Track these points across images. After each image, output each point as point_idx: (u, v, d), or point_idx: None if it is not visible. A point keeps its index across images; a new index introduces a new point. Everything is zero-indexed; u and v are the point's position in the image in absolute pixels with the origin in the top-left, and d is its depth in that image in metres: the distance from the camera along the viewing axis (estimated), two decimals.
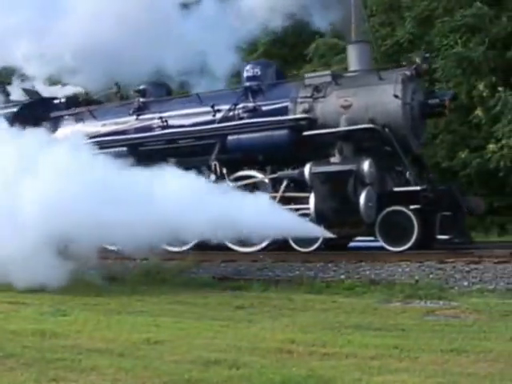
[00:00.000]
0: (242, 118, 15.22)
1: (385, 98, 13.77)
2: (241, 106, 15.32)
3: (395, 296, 10.25)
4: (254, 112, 15.08)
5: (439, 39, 21.46)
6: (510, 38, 20.51)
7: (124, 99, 18.36)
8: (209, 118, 15.58)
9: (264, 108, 15.02)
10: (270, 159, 14.74)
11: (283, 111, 14.77)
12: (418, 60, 14.30)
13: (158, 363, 6.24)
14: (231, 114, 15.39)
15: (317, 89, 14.53)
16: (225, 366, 6.06)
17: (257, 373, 5.77)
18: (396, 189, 13.46)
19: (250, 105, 15.21)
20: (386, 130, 13.49)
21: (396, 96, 13.61)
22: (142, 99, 16.95)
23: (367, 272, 12.02)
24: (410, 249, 12.89)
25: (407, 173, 13.63)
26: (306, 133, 14.10)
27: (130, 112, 16.96)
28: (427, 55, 14.88)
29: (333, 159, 13.57)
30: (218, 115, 15.47)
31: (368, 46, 15.52)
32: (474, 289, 10.55)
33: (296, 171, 14.11)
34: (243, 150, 14.92)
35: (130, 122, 16.83)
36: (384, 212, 13.16)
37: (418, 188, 13.16)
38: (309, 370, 5.85)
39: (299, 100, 14.69)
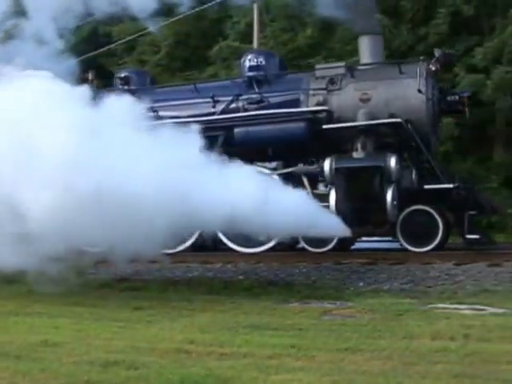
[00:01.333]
0: (246, 110, 14.22)
1: (407, 93, 13.24)
2: (245, 96, 14.34)
3: (293, 296, 10.39)
4: (261, 103, 14.17)
5: (340, 46, 21.94)
6: (409, 51, 21.21)
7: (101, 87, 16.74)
8: (208, 109, 14.47)
9: (272, 99, 14.16)
10: (282, 153, 13.86)
11: (294, 103, 14.02)
12: (438, 54, 13.67)
13: (55, 365, 6.14)
14: (234, 105, 14.41)
15: (331, 81, 13.87)
16: (123, 366, 6.03)
17: (155, 373, 5.76)
18: (427, 186, 12.88)
19: (256, 96, 14.25)
20: (409, 125, 12.95)
21: (420, 91, 13.11)
22: (126, 87, 15.47)
23: (265, 273, 12.15)
24: (432, 250, 12.64)
25: (434, 170, 13.07)
26: (326, 126, 13.42)
27: None
28: (449, 51, 14.48)
29: (355, 154, 13.07)
30: (219, 106, 14.46)
31: (380, 39, 14.83)
32: (370, 289, 10.83)
33: (314, 166, 13.41)
34: (252, 143, 13.78)
35: None
36: (407, 211, 12.82)
37: (451, 186, 12.64)
38: (207, 369, 5.88)
39: (311, 92, 13.98)
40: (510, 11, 20.43)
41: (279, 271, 12.09)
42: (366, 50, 14.35)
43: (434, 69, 13.55)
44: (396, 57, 19.81)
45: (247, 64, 14.66)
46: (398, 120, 12.93)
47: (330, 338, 7.21)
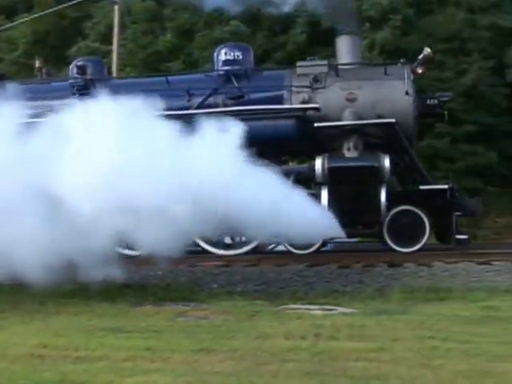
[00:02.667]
0: (226, 105, 13.56)
1: (395, 95, 13.27)
2: (223, 91, 13.79)
3: (147, 299, 10.37)
4: (240, 99, 13.61)
5: (199, 52, 22.12)
6: (265, 55, 21.66)
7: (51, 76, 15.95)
8: (182, 102, 13.69)
9: (253, 95, 13.72)
10: (266, 151, 12.98)
11: (277, 100, 13.69)
12: (422, 56, 13.76)
13: None
14: (212, 99, 13.69)
15: (315, 79, 13.61)
16: None
17: (7, 380, 5.59)
18: (422, 187, 12.97)
19: (235, 91, 13.68)
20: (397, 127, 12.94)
21: (407, 93, 13.18)
22: (83, 77, 14.43)
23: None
24: (419, 250, 12.66)
25: (421, 171, 13.26)
26: (318, 124, 13.15)
27: (73, 91, 14.33)
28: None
29: (348, 154, 12.84)
30: (194, 100, 13.78)
31: (359, 39, 14.84)
32: (224, 291, 10.98)
33: (304, 165, 13.06)
34: None
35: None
36: (393, 212, 12.70)
37: (446, 186, 12.80)
38: (61, 374, 5.77)
39: (295, 89, 13.70)
40: (366, 25, 21.40)
41: (134, 274, 12.00)
42: (345, 49, 14.22)
43: (420, 72, 13.78)
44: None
45: (222, 57, 14.13)
46: (392, 120, 12.94)
47: (184, 339, 7.26)
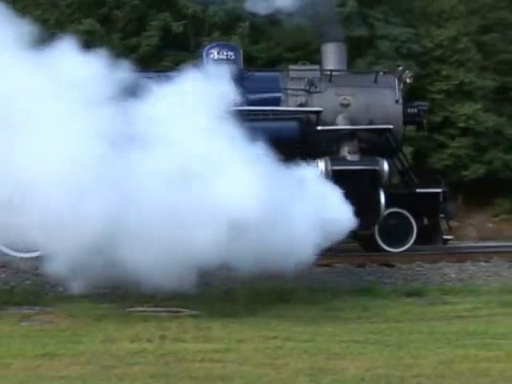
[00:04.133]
0: None
1: (386, 102, 13.80)
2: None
3: None
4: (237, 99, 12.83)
5: None
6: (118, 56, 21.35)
7: None
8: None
9: (249, 96, 13.17)
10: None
11: (274, 102, 13.58)
12: (401, 67, 14.49)
13: None
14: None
15: (311, 83, 13.71)
16: None
17: None
18: (419, 190, 13.52)
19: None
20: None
21: (397, 101, 13.80)
22: None
23: None
24: (406, 250, 13.22)
25: (410, 174, 13.87)
26: (321, 127, 13.30)
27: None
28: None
29: (350, 157, 13.00)
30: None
31: (343, 46, 14.85)
32: (69, 294, 10.70)
33: None
34: None
35: None
36: (385, 214, 12.90)
37: (440, 190, 13.46)
38: None
39: (290, 92, 13.72)
40: (215, 33, 21.67)
41: None
42: (331, 56, 14.44)
43: (409, 81, 14.31)
44: None
45: (214, 57, 13.84)
46: (390, 126, 13.55)
47: (27, 344, 7.08)
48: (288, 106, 13.81)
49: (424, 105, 15.36)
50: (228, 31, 22.52)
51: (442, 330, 7.91)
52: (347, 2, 21.36)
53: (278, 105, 13.80)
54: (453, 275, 12.22)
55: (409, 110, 14.58)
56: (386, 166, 13.23)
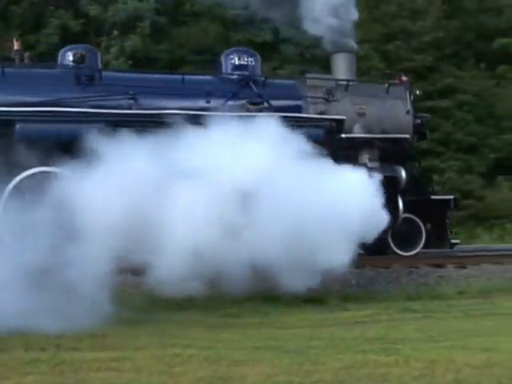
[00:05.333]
0: (248, 110, 13.24)
1: (397, 113, 14.58)
2: (242, 95, 13.52)
3: None
4: (261, 105, 13.47)
5: None
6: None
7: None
8: (200, 103, 13.21)
9: (273, 102, 13.56)
10: None
11: (296, 109, 13.81)
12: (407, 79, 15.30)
13: None
14: (231, 102, 13.21)
15: (328, 91, 14.18)
16: None
17: None
18: (433, 197, 14.48)
19: (255, 96, 13.58)
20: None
21: (408, 112, 14.62)
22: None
23: None
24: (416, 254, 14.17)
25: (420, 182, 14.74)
26: (345, 135, 13.75)
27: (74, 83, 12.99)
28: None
29: (370, 164, 13.47)
30: (213, 102, 13.24)
31: (354, 56, 15.34)
32: None
33: None
34: None
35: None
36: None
37: (452, 196, 14.66)
38: None
39: (310, 100, 14.14)
40: (114, 32, 21.44)
41: None
42: (342, 66, 14.94)
43: (418, 93, 15.42)
44: None
45: (235, 62, 14.09)
46: (407, 136, 14.55)
47: None
48: (308, 113, 14.19)
49: (427, 116, 16.36)
50: (128, 31, 22.35)
51: (342, 336, 7.97)
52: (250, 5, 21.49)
53: (299, 112, 14.13)
54: (353, 281, 12.35)
55: (415, 121, 15.38)
56: (403, 174, 14.09)
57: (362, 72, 23.24)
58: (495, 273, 13.62)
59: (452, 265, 13.77)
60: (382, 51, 25.22)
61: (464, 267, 13.69)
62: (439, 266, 13.71)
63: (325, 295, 11.23)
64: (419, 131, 15.62)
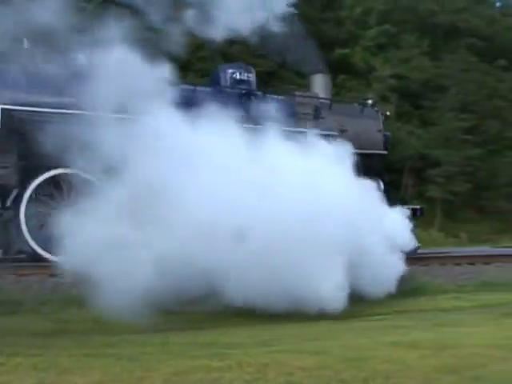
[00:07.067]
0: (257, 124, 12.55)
1: (370, 131, 16.11)
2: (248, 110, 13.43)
3: None
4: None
5: None
6: None
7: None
8: None
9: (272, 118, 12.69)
10: None
11: (291, 125, 13.63)
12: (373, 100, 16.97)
13: None
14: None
15: (316, 109, 15.21)
16: None
17: None
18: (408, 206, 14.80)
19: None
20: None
21: (379, 131, 16.34)
22: None
23: None
24: None
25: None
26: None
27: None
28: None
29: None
30: None
31: (328, 77, 16.81)
32: None
33: None
34: None
35: None
36: None
37: (418, 206, 15.90)
38: None
39: (302, 116, 14.92)
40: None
41: None
42: (320, 86, 16.34)
43: (388, 114, 17.45)
44: None
45: (236, 77, 14.57)
46: (385, 152, 16.38)
47: None
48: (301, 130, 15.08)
49: (388, 134, 17.59)
50: None
51: (175, 342, 7.94)
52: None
53: (293, 127, 14.70)
54: None
55: (384, 138, 16.98)
56: (382, 186, 15.18)
57: None
58: None
59: None
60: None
61: None
62: None
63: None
64: (386, 147, 17.09)
